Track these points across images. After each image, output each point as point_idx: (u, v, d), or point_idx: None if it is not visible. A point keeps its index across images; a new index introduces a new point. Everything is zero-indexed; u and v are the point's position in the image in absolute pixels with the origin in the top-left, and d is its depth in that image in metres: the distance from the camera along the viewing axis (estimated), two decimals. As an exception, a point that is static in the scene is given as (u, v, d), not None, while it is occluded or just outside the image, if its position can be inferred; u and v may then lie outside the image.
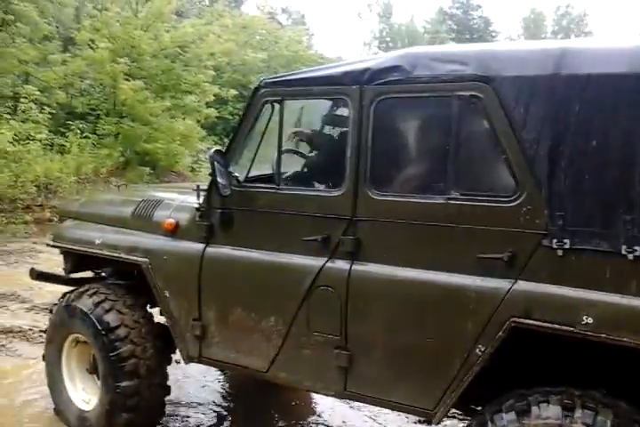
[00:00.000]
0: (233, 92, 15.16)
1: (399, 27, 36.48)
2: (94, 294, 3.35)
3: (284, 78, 2.97)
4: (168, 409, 3.51)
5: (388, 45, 37.11)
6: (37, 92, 11.34)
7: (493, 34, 41.99)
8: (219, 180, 2.86)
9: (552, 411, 2.09)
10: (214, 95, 14.74)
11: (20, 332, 4.97)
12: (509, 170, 2.28)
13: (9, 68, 12.03)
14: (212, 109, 14.68)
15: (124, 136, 12.86)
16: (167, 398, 3.42)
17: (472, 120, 2.41)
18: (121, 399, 3.19)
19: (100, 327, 3.21)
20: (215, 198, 2.99)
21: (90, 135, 12.18)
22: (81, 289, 3.45)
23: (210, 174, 2.94)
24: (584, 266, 2.16)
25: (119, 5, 14.01)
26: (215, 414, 3.87)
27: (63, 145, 11.62)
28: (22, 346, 4.75)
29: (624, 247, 2.06)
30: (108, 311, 3.25)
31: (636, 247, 2.05)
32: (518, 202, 2.25)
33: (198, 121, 14.49)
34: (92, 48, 12.96)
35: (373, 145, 2.56)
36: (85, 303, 3.31)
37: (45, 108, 11.22)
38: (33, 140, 10.48)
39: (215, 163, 2.88)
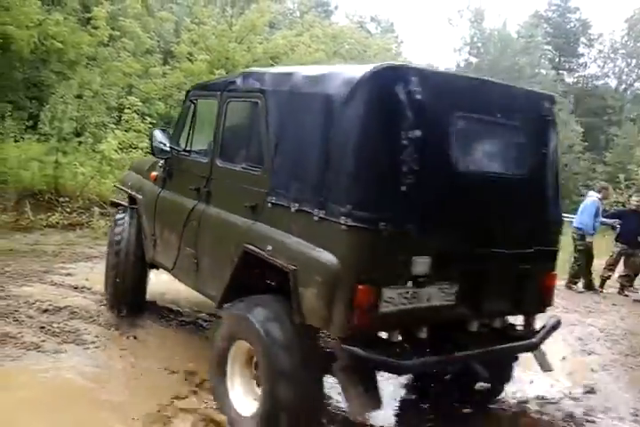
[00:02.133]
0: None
1: (491, 32, 35.62)
2: (120, 212, 5.37)
3: (199, 85, 4.96)
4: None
5: (479, 51, 36.33)
6: (139, 103, 12.03)
7: (592, 37, 40.19)
8: (154, 146, 4.73)
9: (241, 307, 3.51)
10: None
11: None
12: (262, 153, 3.65)
13: (115, 80, 12.86)
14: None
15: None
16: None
17: (255, 119, 3.78)
18: (110, 264, 5.22)
19: (112, 230, 5.33)
20: (169, 161, 4.73)
21: (186, 143, 12.74)
22: (119, 209, 5.51)
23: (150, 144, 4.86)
24: (278, 214, 3.44)
25: (215, 19, 14.66)
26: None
27: (162, 153, 12.21)
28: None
29: (292, 204, 3.30)
30: (117, 222, 5.26)
31: (296, 204, 3.26)
32: (260, 172, 3.63)
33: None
34: (190, 60, 13.61)
35: (223, 131, 4.15)
36: (116, 217, 5.40)
37: (147, 118, 11.91)
38: (135, 148, 11.12)
39: (154, 135, 4.78)
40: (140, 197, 5.15)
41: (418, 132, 2.99)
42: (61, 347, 4.54)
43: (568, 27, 40.11)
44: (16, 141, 10.47)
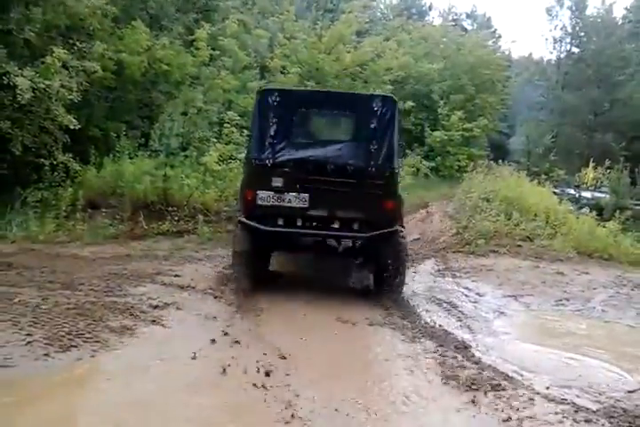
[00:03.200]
0: (410, 103, 15.69)
1: (594, 20, 33.92)
2: None
3: None
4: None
5: (581, 40, 34.69)
6: (238, 117, 12.82)
7: None
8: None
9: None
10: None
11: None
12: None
13: (216, 97, 13.83)
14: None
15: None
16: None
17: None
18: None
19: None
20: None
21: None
22: None
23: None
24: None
25: (306, 32, 15.35)
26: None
27: (260, 163, 12.98)
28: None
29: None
30: None
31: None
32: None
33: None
34: (283, 73, 14.37)
35: None
36: None
37: (244, 131, 12.51)
38: (234, 159, 11.88)
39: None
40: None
41: (275, 119, 6.53)
42: (169, 335, 5.29)
43: (682, 7, 37.26)
44: (130, 158, 11.54)
